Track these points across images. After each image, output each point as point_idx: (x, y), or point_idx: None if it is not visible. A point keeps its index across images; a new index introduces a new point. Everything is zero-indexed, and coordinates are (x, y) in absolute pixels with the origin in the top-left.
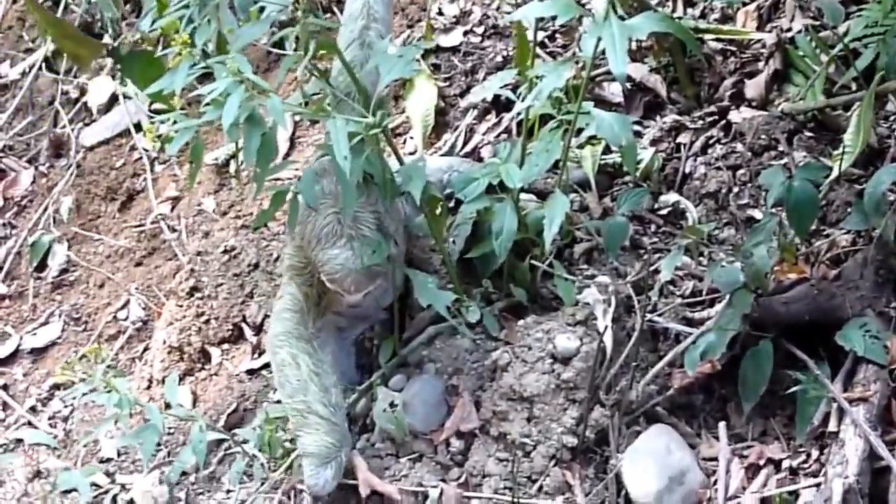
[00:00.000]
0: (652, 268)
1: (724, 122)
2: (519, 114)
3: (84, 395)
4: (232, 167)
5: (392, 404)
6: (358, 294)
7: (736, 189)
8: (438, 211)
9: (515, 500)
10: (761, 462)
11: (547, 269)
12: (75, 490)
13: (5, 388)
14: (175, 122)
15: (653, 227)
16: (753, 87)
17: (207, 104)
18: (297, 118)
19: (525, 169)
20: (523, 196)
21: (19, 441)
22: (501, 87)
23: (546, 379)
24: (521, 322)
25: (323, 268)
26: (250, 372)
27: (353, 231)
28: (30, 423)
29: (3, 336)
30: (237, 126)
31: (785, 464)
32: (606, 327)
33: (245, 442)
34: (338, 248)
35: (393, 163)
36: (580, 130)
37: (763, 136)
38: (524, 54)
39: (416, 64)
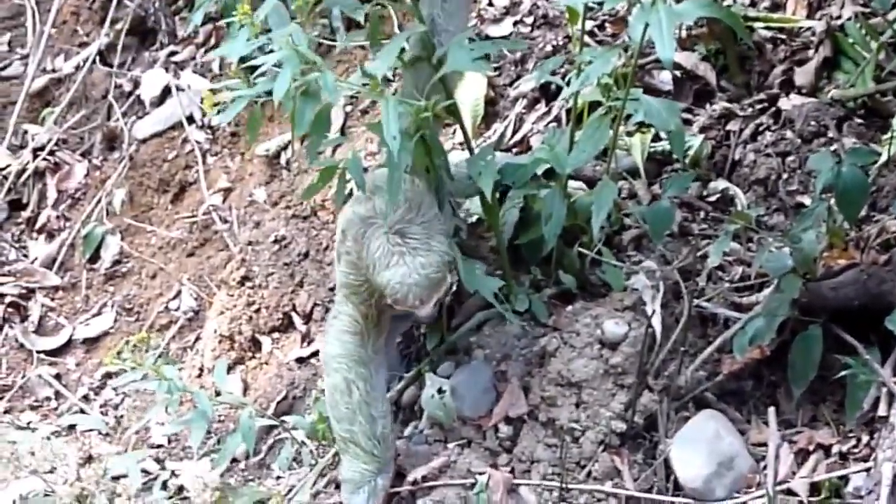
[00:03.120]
0: (700, 253)
1: (773, 109)
2: (566, 100)
3: (135, 382)
4: (283, 158)
5: (440, 390)
6: (427, 306)
7: (785, 175)
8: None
9: (564, 485)
10: (811, 447)
11: (595, 255)
12: (126, 475)
13: (58, 377)
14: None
15: (702, 214)
16: (803, 75)
17: (261, 74)
18: (349, 109)
19: (573, 155)
20: (572, 183)
21: (72, 428)
22: (552, 74)
23: (594, 364)
24: (569, 308)
25: (385, 291)
26: (300, 360)
27: (402, 247)
28: (82, 411)
29: (56, 326)
30: (291, 99)
31: (835, 449)
32: (654, 312)
33: (294, 429)
34: (392, 268)
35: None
36: (629, 117)
37: (812, 123)
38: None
39: (484, 62)
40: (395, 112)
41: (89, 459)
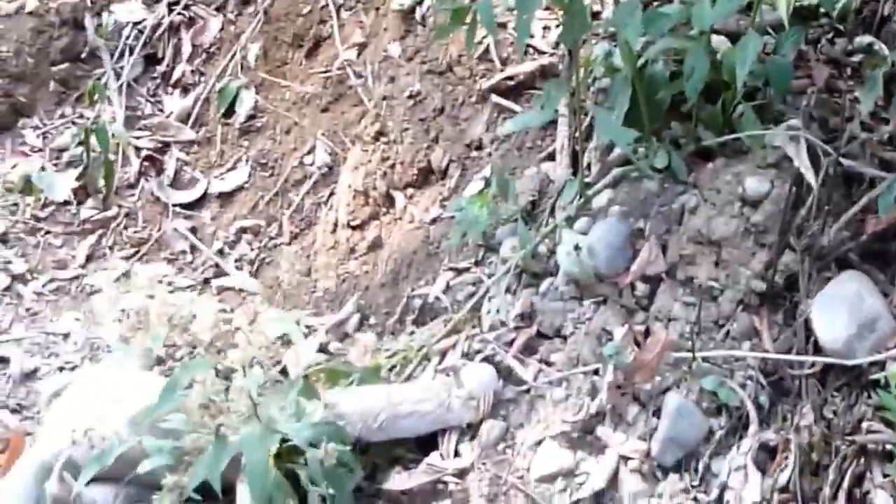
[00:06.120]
0: (847, 114)
1: None
2: None
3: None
4: (418, 13)
5: (577, 247)
6: None
7: None
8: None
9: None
10: None
11: (737, 111)
12: (285, 336)
13: (193, 230)
14: None
15: (848, 71)
16: None
17: None
18: None
19: (716, 8)
20: (715, 38)
21: (206, 282)
22: None
23: (735, 222)
24: (709, 165)
25: None
26: (434, 218)
27: None
28: (217, 266)
29: (191, 180)
30: None
31: None
32: (799, 169)
33: (428, 284)
34: None
35: None
36: None
37: None
38: None
39: None
40: None
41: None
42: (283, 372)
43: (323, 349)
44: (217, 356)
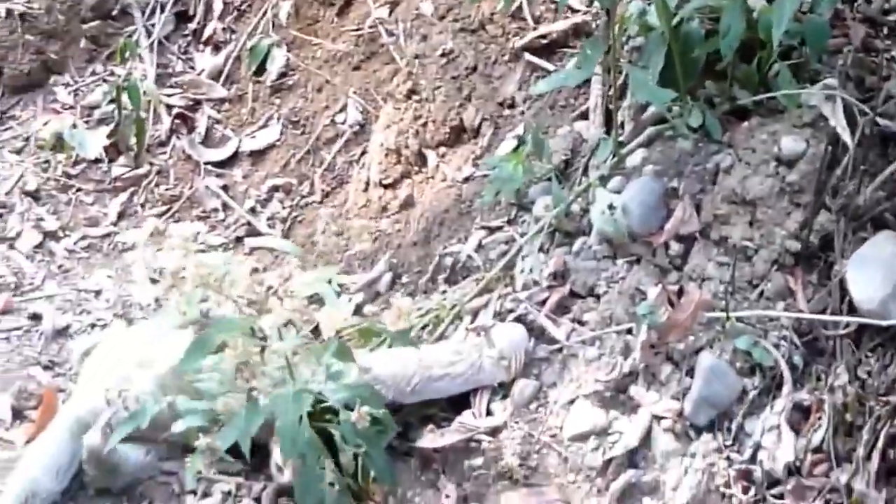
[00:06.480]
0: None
1: None
2: None
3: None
4: None
5: (611, 206)
6: None
7: None
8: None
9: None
10: None
11: (773, 70)
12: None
13: (225, 188)
14: None
15: (885, 31)
16: None
17: None
18: None
19: None
20: None
21: (239, 240)
22: None
23: (770, 182)
24: (744, 124)
25: None
26: (466, 177)
27: None
28: (249, 224)
29: (223, 138)
30: None
31: None
32: (835, 129)
33: (460, 243)
34: None
35: None
36: None
37: None
38: None
39: None
40: None
41: (255, 271)
42: (316, 331)
43: (358, 311)
44: (252, 317)
